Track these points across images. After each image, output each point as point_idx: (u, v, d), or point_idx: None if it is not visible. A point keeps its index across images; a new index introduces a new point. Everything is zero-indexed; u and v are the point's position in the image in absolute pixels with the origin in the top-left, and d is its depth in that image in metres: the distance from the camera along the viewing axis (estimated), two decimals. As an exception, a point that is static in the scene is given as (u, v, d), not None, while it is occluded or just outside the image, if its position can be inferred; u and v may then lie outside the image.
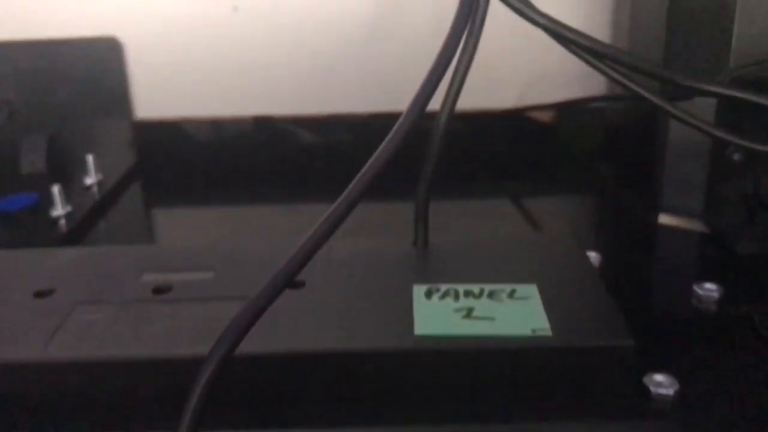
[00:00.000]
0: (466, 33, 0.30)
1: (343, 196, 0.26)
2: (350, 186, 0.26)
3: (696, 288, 0.32)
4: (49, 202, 0.42)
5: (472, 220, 0.45)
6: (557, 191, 0.49)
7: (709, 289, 0.32)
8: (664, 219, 0.41)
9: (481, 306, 0.28)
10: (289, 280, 0.25)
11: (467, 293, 0.29)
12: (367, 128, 0.51)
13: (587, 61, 0.29)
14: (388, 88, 0.50)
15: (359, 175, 0.26)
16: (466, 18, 0.30)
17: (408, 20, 0.48)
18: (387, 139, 0.28)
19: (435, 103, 0.29)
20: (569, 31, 0.29)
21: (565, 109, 0.49)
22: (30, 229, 0.42)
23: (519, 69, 0.49)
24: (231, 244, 0.34)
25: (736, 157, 0.37)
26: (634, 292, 0.34)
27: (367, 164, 0.27)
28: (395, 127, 0.28)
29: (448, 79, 0.30)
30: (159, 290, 0.30)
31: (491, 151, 0.50)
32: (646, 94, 0.29)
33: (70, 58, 0.49)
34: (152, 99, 0.50)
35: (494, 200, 0.48)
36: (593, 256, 0.34)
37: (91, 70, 0.49)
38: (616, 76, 0.29)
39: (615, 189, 0.47)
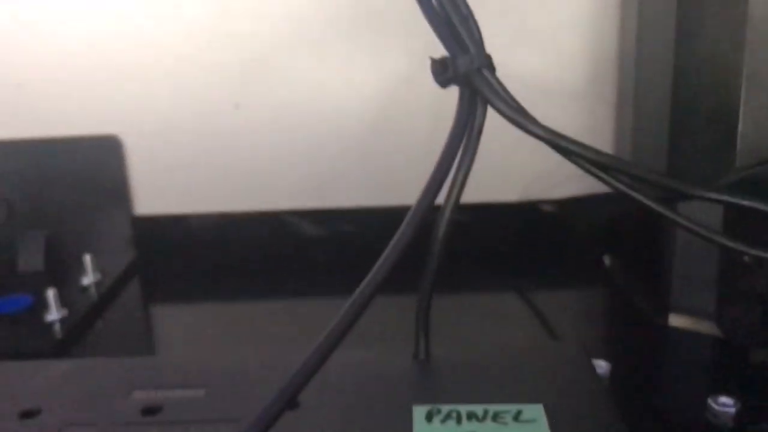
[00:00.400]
0: (464, 142, 0.29)
1: (345, 307, 0.25)
2: (353, 297, 0.25)
3: (711, 402, 0.31)
4: (45, 305, 0.41)
5: (476, 317, 0.43)
6: (563, 286, 0.48)
7: (725, 403, 0.31)
8: (674, 320, 0.39)
9: (485, 430, 0.26)
10: (283, 409, 0.24)
11: (470, 415, 0.27)
12: (369, 222, 0.50)
13: (590, 172, 0.29)
14: (390, 182, 0.49)
15: (360, 288, 0.25)
16: (464, 128, 0.29)
17: (408, 116, 0.48)
18: (389, 247, 0.27)
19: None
20: (569, 143, 0.28)
21: (570, 203, 0.48)
22: (24, 333, 0.41)
23: (523, 162, 0.48)
24: (226, 356, 0.33)
25: (747, 257, 0.36)
26: (645, 407, 0.32)
27: (369, 277, 0.26)
28: (395, 238, 0.27)
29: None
30: (148, 411, 0.29)
31: (495, 244, 0.50)
32: (653, 205, 0.29)
33: (70, 156, 0.49)
34: (152, 195, 0.50)
35: (499, 295, 0.47)
36: (602, 366, 0.33)
37: (90, 168, 0.49)
38: (620, 186, 0.28)
39: (622, 285, 0.46)
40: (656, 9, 0.40)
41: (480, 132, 0.29)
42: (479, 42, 0.29)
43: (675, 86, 0.39)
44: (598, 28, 0.46)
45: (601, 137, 0.47)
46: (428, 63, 0.45)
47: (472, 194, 0.31)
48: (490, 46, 0.35)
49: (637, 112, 0.43)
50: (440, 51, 0.33)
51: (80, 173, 0.49)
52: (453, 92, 0.32)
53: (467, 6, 0.30)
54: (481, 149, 0.31)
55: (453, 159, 0.29)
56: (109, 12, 0.47)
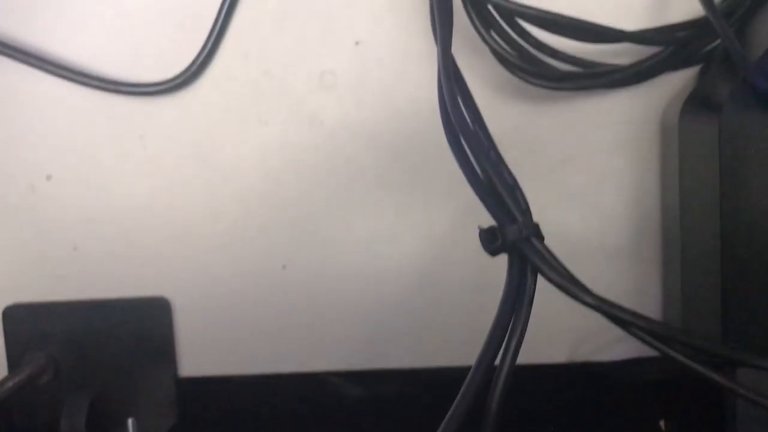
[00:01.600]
0: (515, 311, 0.29)
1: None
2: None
3: None
4: (85, 473, 0.41)
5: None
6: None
7: None
8: (743, 495, 0.37)
9: None
10: None
11: None
12: (412, 383, 0.49)
13: (644, 341, 0.28)
14: (433, 344, 0.49)
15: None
16: (514, 297, 0.29)
17: (452, 277, 0.48)
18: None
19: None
20: (622, 312, 0.28)
21: (621, 365, 0.47)
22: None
23: (572, 322, 0.47)
24: None
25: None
26: None
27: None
28: (449, 416, 0.27)
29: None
30: None
31: (543, 407, 0.48)
32: (712, 376, 0.28)
33: (118, 318, 0.49)
34: (198, 356, 0.50)
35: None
36: None
37: (138, 330, 0.49)
38: (677, 356, 0.28)
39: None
40: (697, 169, 0.41)
41: (531, 300, 0.29)
42: (526, 211, 0.30)
43: (723, 248, 0.38)
44: (639, 186, 0.47)
45: (648, 298, 0.47)
46: (471, 224, 0.46)
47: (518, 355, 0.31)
48: (533, 206, 0.35)
49: (684, 273, 0.42)
50: (484, 212, 0.33)
51: (128, 334, 0.50)
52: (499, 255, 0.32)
53: (512, 175, 0.31)
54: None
55: (505, 329, 0.28)
56: (161, 176, 0.49)
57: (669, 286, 0.46)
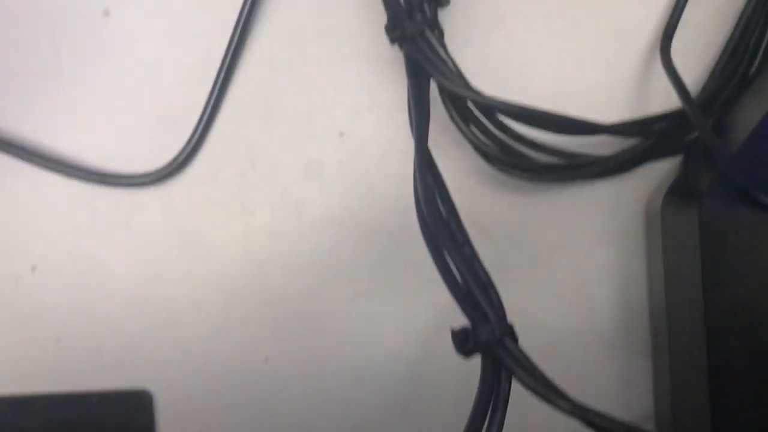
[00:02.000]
0: (489, 414, 0.28)
1: None
2: None
3: None
4: None
5: None
6: None
7: None
8: None
9: None
10: None
11: None
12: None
13: (625, 445, 0.27)
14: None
15: None
16: (488, 399, 0.28)
17: (438, 369, 0.47)
18: None
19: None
20: (602, 419, 0.27)
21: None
22: None
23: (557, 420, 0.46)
24: None
25: None
26: None
27: None
28: None
29: None
30: None
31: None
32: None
33: (99, 411, 0.48)
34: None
35: None
36: None
37: (120, 423, 0.48)
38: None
39: None
40: (680, 260, 0.40)
41: (506, 402, 0.28)
42: (499, 310, 0.29)
43: (709, 339, 0.38)
44: (626, 276, 0.46)
45: (639, 390, 0.45)
46: (457, 317, 0.45)
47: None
48: (520, 299, 0.35)
49: (673, 365, 0.41)
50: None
51: (109, 428, 0.48)
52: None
53: (486, 273, 0.31)
54: (512, 402, 0.30)
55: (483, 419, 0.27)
56: (146, 267, 0.49)
57: (659, 379, 0.45)
